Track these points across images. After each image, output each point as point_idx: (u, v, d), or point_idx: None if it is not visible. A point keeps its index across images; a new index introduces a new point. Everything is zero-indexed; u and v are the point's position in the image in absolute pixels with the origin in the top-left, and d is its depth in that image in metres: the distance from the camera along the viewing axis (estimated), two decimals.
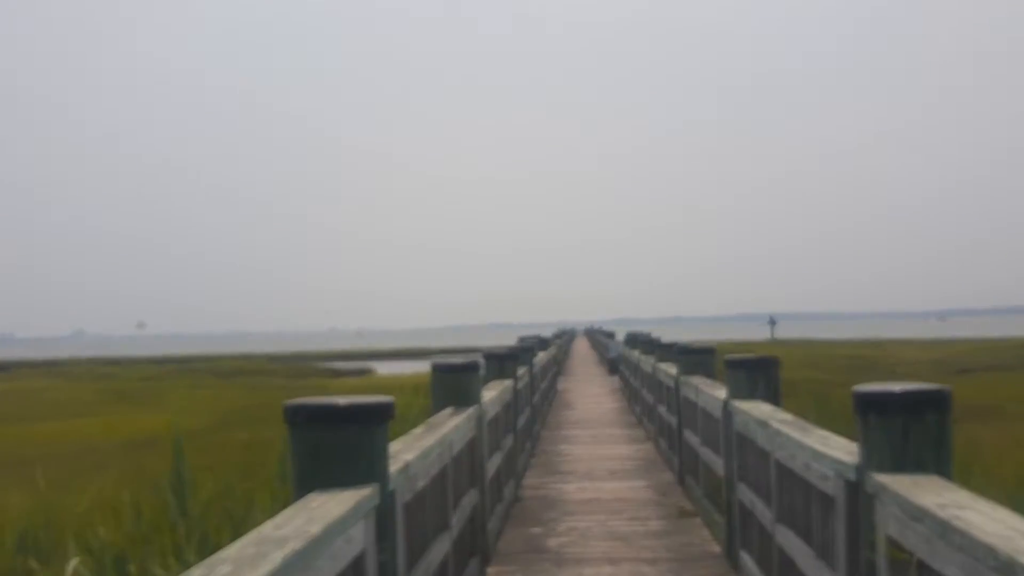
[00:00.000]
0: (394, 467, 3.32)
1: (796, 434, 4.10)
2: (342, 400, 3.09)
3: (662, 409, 10.36)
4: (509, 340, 21.72)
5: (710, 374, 8.22)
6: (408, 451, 3.70)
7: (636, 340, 16.53)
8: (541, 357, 14.81)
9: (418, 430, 4.48)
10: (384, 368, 50.35)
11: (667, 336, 19.98)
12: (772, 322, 77.48)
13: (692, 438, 7.72)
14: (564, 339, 39.80)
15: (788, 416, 4.76)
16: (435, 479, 4.18)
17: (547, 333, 42.70)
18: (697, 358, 8.35)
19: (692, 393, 7.60)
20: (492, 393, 6.86)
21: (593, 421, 14.61)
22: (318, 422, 3.06)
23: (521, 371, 9.83)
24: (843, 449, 3.54)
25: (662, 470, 9.60)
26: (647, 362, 12.49)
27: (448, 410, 5.47)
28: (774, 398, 5.78)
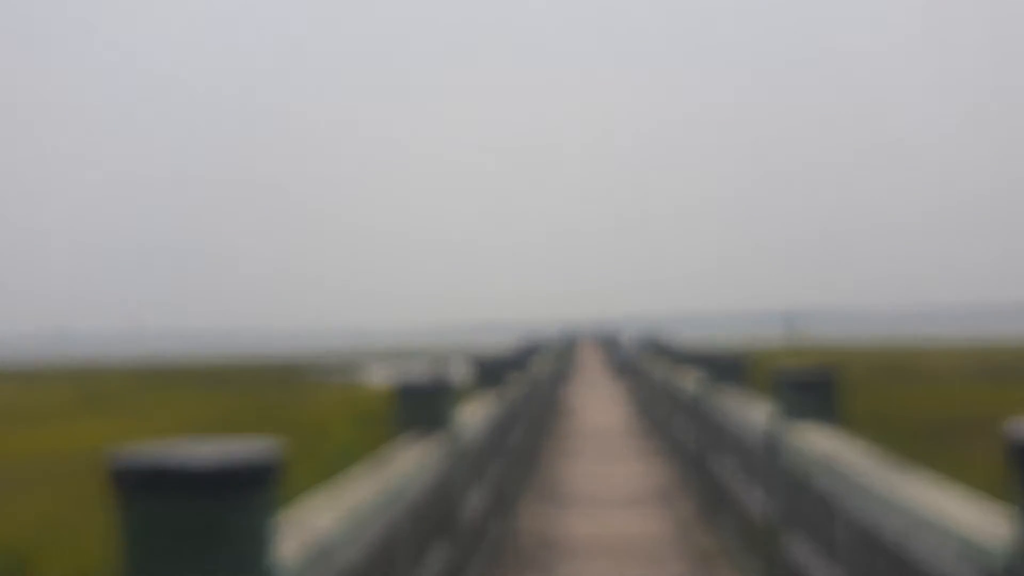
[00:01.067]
0: (292, 545, 2.21)
1: (891, 490, 2.98)
2: (197, 457, 1.98)
3: (679, 424, 9.27)
4: (512, 339, 20.71)
5: (739, 386, 7.14)
6: (323, 514, 2.59)
7: (647, 342, 15.45)
8: (543, 361, 13.73)
9: (357, 471, 3.39)
10: (381, 371, 49.31)
11: (677, 336, 19.00)
12: (789, 321, 76.37)
13: (719, 465, 6.62)
14: (569, 340, 38.78)
15: (867, 455, 3.66)
16: (375, 544, 3.08)
17: (553, 332, 41.80)
18: (723, 366, 7.25)
19: (719, 410, 6.51)
20: (475, 411, 5.77)
21: (600, 433, 13.53)
22: (155, 492, 1.95)
23: (517, 379, 8.75)
24: (978, 519, 2.42)
25: (680, 497, 8.50)
26: (660, 368, 11.40)
27: (408, 437, 4.38)
28: (833, 419, 4.69)
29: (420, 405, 4.64)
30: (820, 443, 3.96)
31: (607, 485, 9.15)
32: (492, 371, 7.41)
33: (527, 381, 10.24)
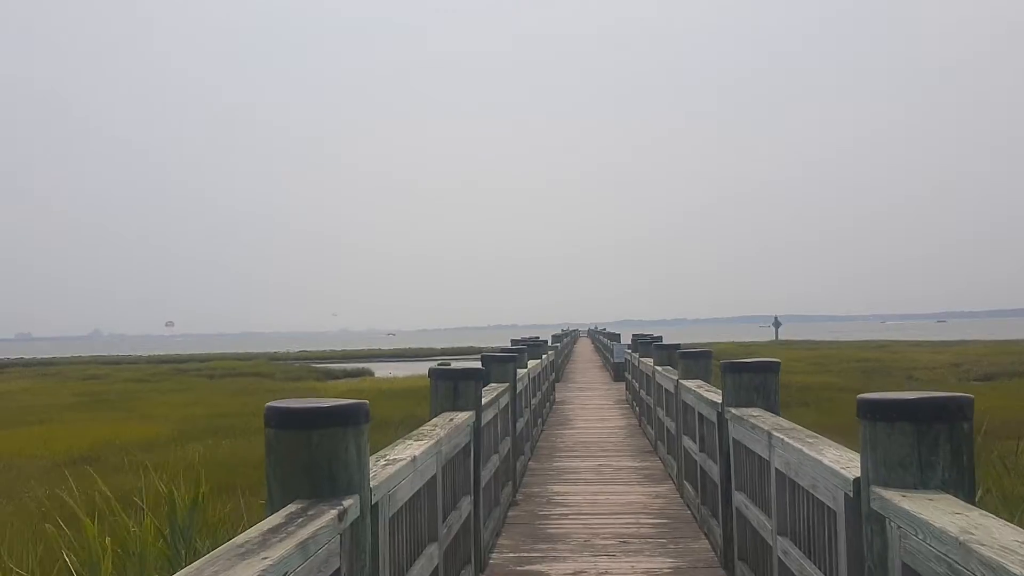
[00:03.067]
0: None
1: None
2: None
3: (691, 445, 7.24)
4: (508, 343, 18.72)
5: (770, 403, 5.15)
6: None
7: (648, 345, 13.42)
8: (533, 366, 11.71)
9: None
10: (383, 370, 47.49)
11: (670, 338, 16.89)
12: (777, 324, 74.42)
13: (755, 514, 4.61)
14: (566, 341, 36.69)
15: None
16: None
17: (552, 334, 39.67)
18: (753, 378, 5.25)
19: (759, 443, 4.48)
20: (418, 449, 3.76)
21: (596, 446, 11.48)
22: None
23: (495, 394, 6.74)
24: None
25: (693, 535, 6.47)
26: (666, 377, 9.34)
27: (279, 516, 2.39)
28: (967, 484, 2.72)
29: (308, 449, 2.63)
30: (992, 541, 1.98)
31: (605, 517, 7.15)
32: (454, 386, 5.40)
33: (513, 393, 8.25)
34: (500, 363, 8.03)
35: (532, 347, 13.44)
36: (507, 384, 7.90)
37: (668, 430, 9.11)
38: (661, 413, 9.87)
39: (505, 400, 7.58)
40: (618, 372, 24.53)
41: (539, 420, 12.77)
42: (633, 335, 22.08)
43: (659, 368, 10.16)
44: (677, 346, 10.52)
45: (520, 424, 8.87)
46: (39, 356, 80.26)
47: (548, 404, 15.60)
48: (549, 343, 28.55)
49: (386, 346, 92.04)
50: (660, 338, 17.32)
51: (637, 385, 14.08)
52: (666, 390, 9.29)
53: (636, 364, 14.26)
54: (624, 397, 18.46)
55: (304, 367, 49.58)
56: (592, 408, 16.60)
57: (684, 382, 7.61)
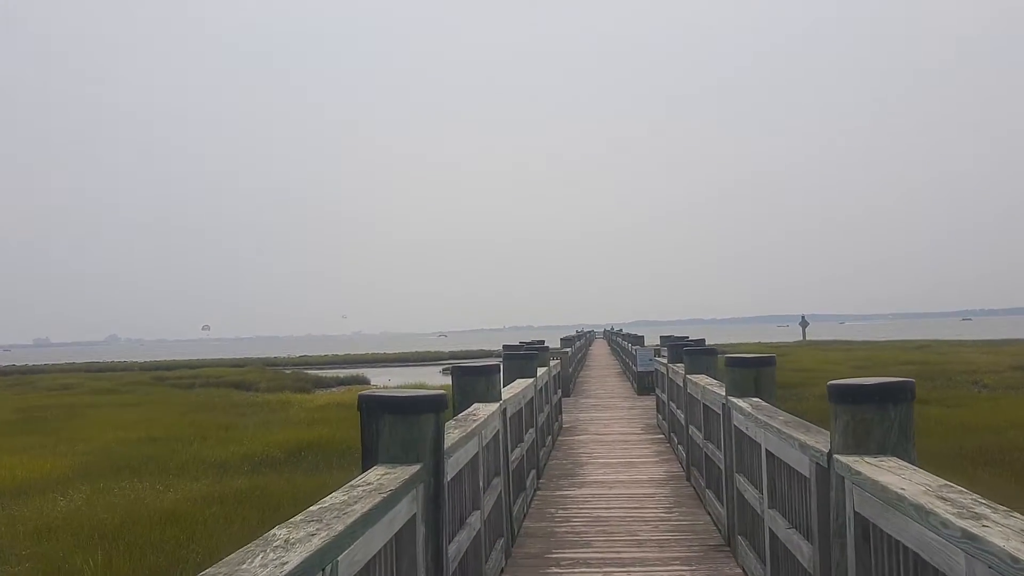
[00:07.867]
0: None
1: None
2: None
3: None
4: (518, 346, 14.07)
5: None
6: None
7: (698, 356, 8.61)
8: (514, 395, 6.94)
9: None
10: (383, 376, 43.25)
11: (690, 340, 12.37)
12: (804, 323, 69.59)
13: None
14: (579, 344, 31.82)
15: None
16: None
17: (561, 337, 34.96)
18: None
19: None
20: None
21: (622, 528, 6.61)
22: None
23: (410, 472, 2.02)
24: None
25: None
26: (778, 435, 4.26)
27: None
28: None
29: None
30: None
31: None
32: None
33: (427, 486, 3.47)
34: (403, 417, 3.30)
35: (523, 357, 8.54)
36: (417, 467, 3.18)
37: (781, 542, 4.27)
38: (756, 498, 4.93)
39: (398, 521, 2.84)
40: (643, 384, 19.82)
41: (530, 474, 8.03)
42: (661, 337, 17.37)
43: (745, 404, 5.25)
44: (769, 359, 5.73)
45: (462, 542, 4.07)
46: (47, 363, 76.56)
47: (550, 438, 10.86)
48: (559, 347, 23.85)
49: (391, 350, 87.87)
50: (703, 341, 12.50)
51: (683, 416, 9.17)
52: (778, 460, 4.34)
53: (680, 383, 9.35)
54: (654, 421, 13.74)
55: (295, 374, 45.84)
56: (613, 441, 11.79)
57: (891, 484, 2.80)
